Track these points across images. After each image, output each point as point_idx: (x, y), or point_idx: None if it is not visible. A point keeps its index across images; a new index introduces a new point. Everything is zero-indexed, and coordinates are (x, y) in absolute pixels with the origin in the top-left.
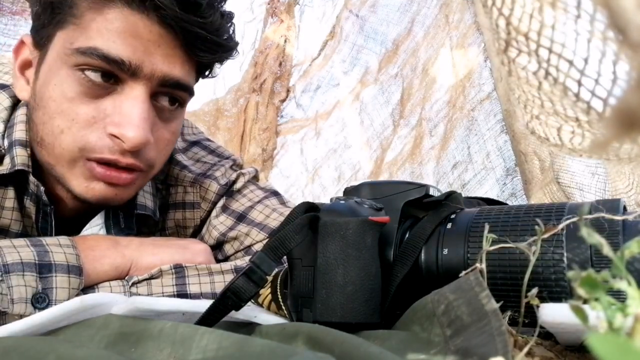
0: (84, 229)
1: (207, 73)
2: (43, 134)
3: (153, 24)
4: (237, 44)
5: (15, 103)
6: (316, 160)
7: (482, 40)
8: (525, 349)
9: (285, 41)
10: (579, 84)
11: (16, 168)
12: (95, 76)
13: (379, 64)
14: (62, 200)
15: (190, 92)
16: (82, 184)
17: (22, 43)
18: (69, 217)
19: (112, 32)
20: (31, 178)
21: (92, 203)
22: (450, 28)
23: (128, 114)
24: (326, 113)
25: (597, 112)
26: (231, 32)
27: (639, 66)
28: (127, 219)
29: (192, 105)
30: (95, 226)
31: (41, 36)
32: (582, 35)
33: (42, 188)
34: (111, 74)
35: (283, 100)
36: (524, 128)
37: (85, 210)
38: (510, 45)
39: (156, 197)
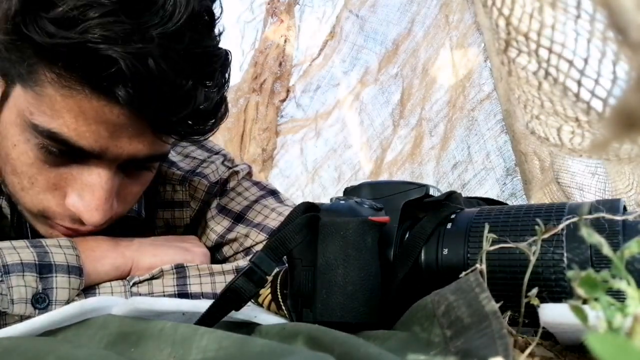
0: None
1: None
2: (4, 174)
3: (122, 107)
4: (224, 112)
5: None
6: (316, 160)
7: (482, 40)
8: (528, 351)
9: (285, 41)
10: (579, 84)
11: None
12: (56, 153)
13: (379, 64)
14: None
15: (163, 158)
16: (46, 231)
17: None
18: None
19: (75, 117)
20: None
21: None
22: (450, 28)
23: (89, 197)
24: (326, 113)
25: (597, 112)
26: (221, 99)
27: (639, 66)
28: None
29: None
30: None
31: (4, 69)
32: (582, 35)
33: (8, 188)
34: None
35: (283, 100)
36: (524, 128)
37: None
38: (510, 45)
39: (141, 196)
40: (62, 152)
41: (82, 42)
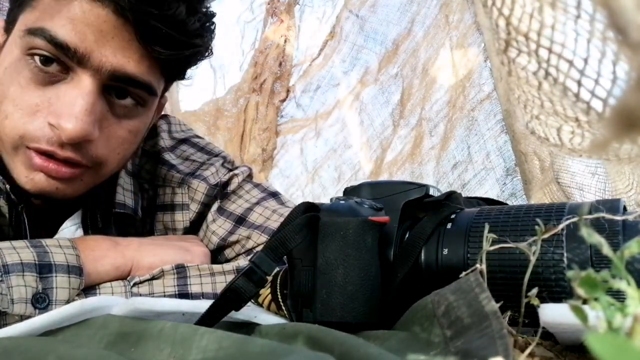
0: (60, 228)
1: (179, 75)
2: None
3: (108, 13)
4: (206, 43)
5: None
6: (316, 160)
7: (482, 40)
8: (528, 351)
9: (285, 41)
10: (579, 84)
11: None
12: (42, 61)
13: (379, 64)
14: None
15: (151, 91)
16: (23, 174)
17: None
18: (45, 217)
19: (64, 17)
20: None
21: (33, 195)
22: (450, 28)
23: (70, 104)
24: (326, 113)
25: (597, 112)
26: (203, 31)
27: (639, 66)
28: (104, 219)
29: (192, 105)
30: (72, 226)
31: (9, 20)
32: (582, 35)
33: (7, 186)
34: (58, 59)
35: (283, 100)
36: (524, 128)
37: (61, 210)
38: (510, 45)
39: (138, 196)
40: (49, 60)
41: None
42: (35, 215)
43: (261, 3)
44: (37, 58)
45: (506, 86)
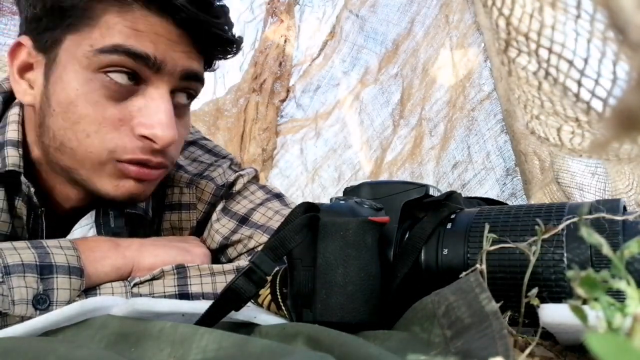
0: (74, 228)
1: (208, 67)
2: (64, 139)
3: (170, 25)
4: (242, 39)
5: (6, 100)
6: (316, 160)
7: (482, 40)
8: (528, 351)
9: (285, 41)
10: (579, 84)
11: (7, 169)
12: (120, 78)
13: (379, 64)
14: (55, 201)
15: (203, 82)
16: (112, 184)
17: (19, 45)
18: (59, 218)
19: (134, 32)
20: (22, 179)
21: (119, 201)
22: (450, 28)
23: (156, 114)
24: (326, 113)
25: (597, 112)
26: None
27: (639, 66)
28: (117, 219)
29: (191, 105)
30: (85, 225)
31: (45, 39)
32: (582, 36)
33: (32, 189)
34: (135, 73)
35: (283, 100)
36: (524, 128)
37: (75, 211)
38: (510, 45)
39: (149, 197)
40: (126, 75)
41: None
42: (53, 218)
43: (261, 3)
44: (113, 75)
45: (506, 86)
